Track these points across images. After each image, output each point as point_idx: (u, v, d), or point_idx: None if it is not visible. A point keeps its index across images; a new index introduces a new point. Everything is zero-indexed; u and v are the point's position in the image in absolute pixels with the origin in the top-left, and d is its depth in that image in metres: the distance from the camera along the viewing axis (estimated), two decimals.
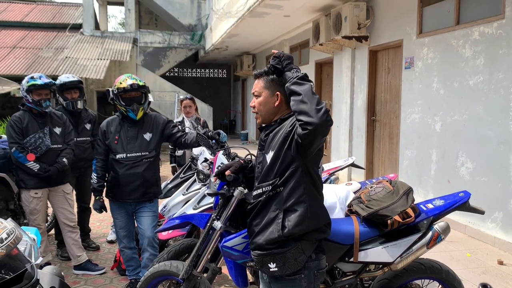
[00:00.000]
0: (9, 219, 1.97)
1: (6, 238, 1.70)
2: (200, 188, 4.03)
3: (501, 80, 4.77)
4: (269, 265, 2.07)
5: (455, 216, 5.12)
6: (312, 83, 2.00)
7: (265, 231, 2.08)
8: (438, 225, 2.66)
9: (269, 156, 2.11)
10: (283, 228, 2.01)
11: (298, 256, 2.04)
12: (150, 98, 3.80)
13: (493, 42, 4.86)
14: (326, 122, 1.88)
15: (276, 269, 2.06)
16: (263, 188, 2.11)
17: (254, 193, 2.17)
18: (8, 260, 1.69)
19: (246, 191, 2.45)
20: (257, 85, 2.22)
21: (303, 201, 2.04)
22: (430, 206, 2.74)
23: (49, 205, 4.29)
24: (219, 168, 2.45)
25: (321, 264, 2.14)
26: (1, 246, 1.65)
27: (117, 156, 3.56)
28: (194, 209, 3.80)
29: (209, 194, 2.71)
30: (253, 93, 2.24)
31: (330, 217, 2.19)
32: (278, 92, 2.16)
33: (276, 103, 2.17)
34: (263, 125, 2.26)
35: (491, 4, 4.96)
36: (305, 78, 2.00)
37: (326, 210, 2.17)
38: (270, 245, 2.06)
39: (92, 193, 3.74)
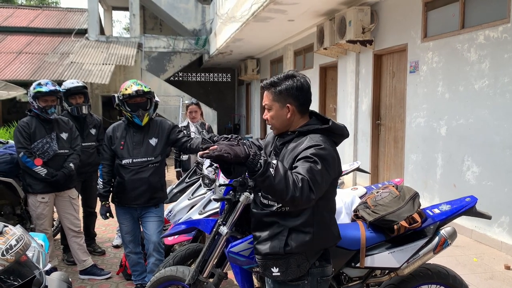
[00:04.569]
0: (18, 225, 1.98)
1: (15, 245, 1.71)
2: (205, 193, 4.03)
3: (506, 84, 4.75)
4: (272, 269, 2.06)
5: (461, 221, 5.09)
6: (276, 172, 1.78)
7: (267, 242, 2.06)
8: (444, 230, 2.65)
9: None
10: (286, 245, 1.99)
11: (301, 262, 2.02)
12: (157, 98, 3.80)
13: (498, 46, 4.85)
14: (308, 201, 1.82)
15: (279, 273, 2.04)
16: (269, 202, 2.07)
17: (263, 200, 2.14)
18: (17, 267, 1.70)
19: (252, 196, 2.45)
20: (266, 98, 2.11)
21: (310, 225, 2.00)
22: (436, 211, 2.73)
23: (55, 210, 4.31)
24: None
25: (326, 272, 2.11)
26: (10, 253, 1.66)
27: (123, 162, 3.58)
28: (199, 214, 3.81)
29: (215, 200, 2.71)
30: (264, 105, 2.15)
31: (340, 237, 2.15)
32: (288, 104, 2.06)
33: (288, 115, 2.07)
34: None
35: (496, 8, 4.95)
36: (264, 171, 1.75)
37: (334, 232, 2.12)
38: (270, 255, 2.04)
39: (98, 198, 3.76)
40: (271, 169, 1.76)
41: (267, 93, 2.11)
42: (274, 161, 1.82)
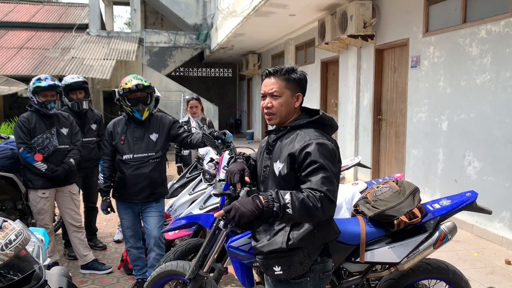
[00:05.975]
0: (18, 220, 1.98)
1: (14, 240, 1.72)
2: (206, 188, 4.04)
3: (508, 79, 4.73)
4: (274, 268, 2.03)
5: (462, 216, 5.09)
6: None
7: (269, 240, 2.03)
8: (445, 225, 2.66)
9: (277, 167, 2.02)
10: (288, 240, 1.96)
11: (303, 259, 1.99)
12: (157, 93, 3.79)
13: (500, 40, 4.82)
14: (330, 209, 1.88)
15: (281, 272, 2.01)
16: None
17: None
18: (17, 262, 1.71)
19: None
20: (276, 84, 2.04)
21: None
22: (437, 206, 2.73)
23: (56, 204, 4.32)
24: (234, 175, 2.20)
25: (327, 267, 2.10)
26: (10, 248, 1.67)
27: (124, 157, 3.58)
28: (200, 209, 3.81)
29: (215, 195, 2.71)
30: (272, 93, 2.05)
31: (339, 232, 2.15)
32: (299, 94, 2.06)
33: (297, 104, 2.06)
34: (271, 128, 2.17)
35: (498, 2, 4.92)
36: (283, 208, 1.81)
37: (334, 226, 2.11)
38: (272, 253, 2.01)
39: (99, 193, 3.77)
40: (288, 210, 1.80)
41: (277, 79, 2.04)
42: (288, 197, 1.81)
